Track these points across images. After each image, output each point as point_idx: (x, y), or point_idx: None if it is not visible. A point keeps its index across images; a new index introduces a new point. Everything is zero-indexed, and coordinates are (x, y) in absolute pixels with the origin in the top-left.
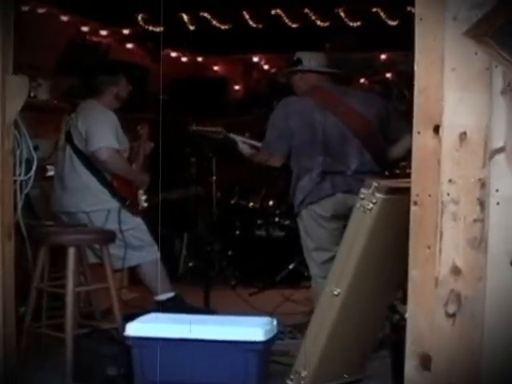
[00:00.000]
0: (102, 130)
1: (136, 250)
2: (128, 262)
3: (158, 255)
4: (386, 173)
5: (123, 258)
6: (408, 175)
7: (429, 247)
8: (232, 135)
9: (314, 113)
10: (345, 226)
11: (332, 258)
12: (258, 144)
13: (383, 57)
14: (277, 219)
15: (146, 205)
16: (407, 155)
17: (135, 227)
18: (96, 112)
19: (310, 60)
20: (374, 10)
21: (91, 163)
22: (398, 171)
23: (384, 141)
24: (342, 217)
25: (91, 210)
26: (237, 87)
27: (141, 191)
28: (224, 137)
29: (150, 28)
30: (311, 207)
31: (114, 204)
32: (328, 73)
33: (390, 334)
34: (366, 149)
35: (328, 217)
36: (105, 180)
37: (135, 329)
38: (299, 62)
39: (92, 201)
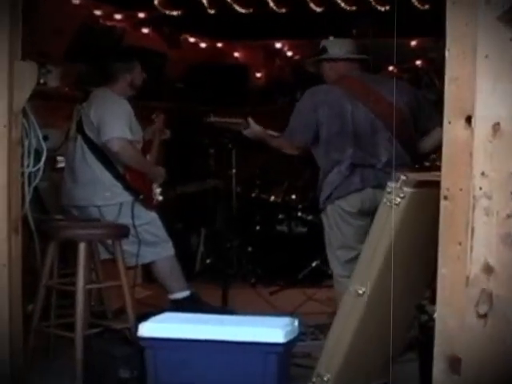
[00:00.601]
0: (114, 119)
1: (150, 246)
2: (142, 259)
3: (173, 252)
4: (416, 166)
5: (137, 255)
6: (438, 168)
7: (459, 244)
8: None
9: (343, 102)
10: (371, 223)
11: (356, 257)
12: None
13: (413, 43)
14: (299, 214)
15: (161, 198)
16: (439, 147)
17: (149, 222)
18: (109, 100)
19: (337, 47)
20: None
21: (103, 154)
22: (427, 164)
23: (415, 131)
24: (370, 213)
25: (103, 203)
26: (258, 75)
27: (155, 184)
28: (245, 129)
29: (167, 12)
30: (338, 202)
31: (126, 198)
32: (356, 60)
33: (417, 335)
34: (398, 140)
35: (355, 213)
36: (117, 172)
37: (149, 329)
38: (325, 50)
39: (104, 194)
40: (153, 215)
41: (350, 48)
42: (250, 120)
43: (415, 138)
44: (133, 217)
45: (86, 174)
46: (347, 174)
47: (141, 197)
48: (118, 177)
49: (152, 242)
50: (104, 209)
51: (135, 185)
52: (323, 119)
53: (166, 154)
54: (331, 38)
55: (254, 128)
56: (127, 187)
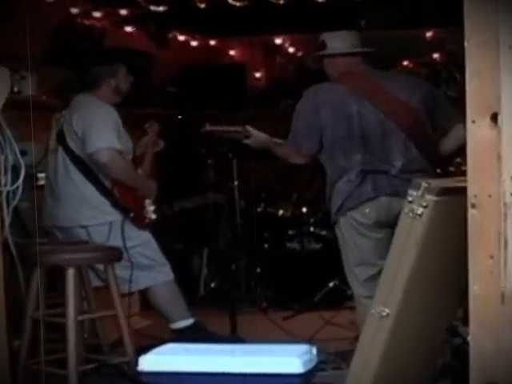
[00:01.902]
0: (101, 128)
1: (144, 270)
2: (136, 285)
3: (172, 276)
4: (438, 171)
5: (129, 281)
6: (464, 173)
7: (491, 257)
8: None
9: (348, 102)
10: (391, 236)
11: (378, 275)
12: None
13: (429, 34)
14: (312, 229)
15: (154, 217)
16: (461, 149)
17: (142, 243)
18: (94, 107)
19: (337, 41)
20: None
21: (88, 167)
22: (452, 168)
23: (433, 132)
24: (388, 224)
25: (90, 223)
26: (258, 75)
27: (148, 201)
28: (245, 138)
29: (153, 8)
30: (350, 214)
31: (116, 216)
32: (361, 54)
33: (450, 360)
34: (413, 142)
35: (370, 224)
36: (104, 187)
37: (150, 362)
38: (324, 45)
39: (90, 213)
40: (146, 235)
41: (354, 41)
42: (250, 128)
43: (433, 140)
44: (123, 238)
45: (70, 190)
46: (358, 183)
47: (131, 215)
48: (106, 193)
49: (146, 266)
50: (92, 229)
51: (124, 201)
52: (326, 122)
53: (160, 167)
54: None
55: (256, 136)
56: (115, 204)
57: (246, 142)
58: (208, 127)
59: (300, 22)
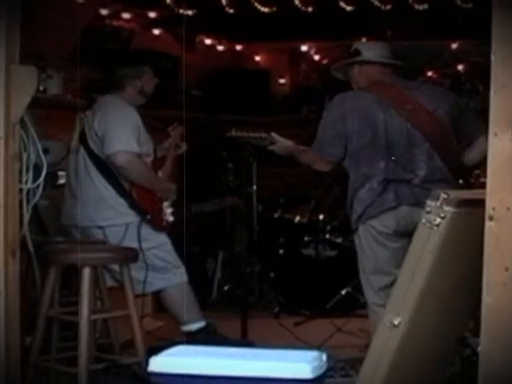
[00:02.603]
0: (120, 130)
1: (159, 272)
2: (150, 287)
3: (186, 278)
4: (461, 181)
5: (144, 282)
6: (482, 185)
7: (506, 270)
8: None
9: (375, 111)
10: (409, 245)
11: (392, 284)
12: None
13: (454, 46)
14: (328, 236)
15: (172, 219)
16: (483, 161)
17: (158, 246)
18: (115, 109)
19: (371, 50)
20: None
21: (108, 169)
22: (471, 180)
23: (457, 143)
24: (406, 234)
25: (107, 224)
26: (282, 81)
27: (166, 203)
28: (271, 144)
29: (181, 11)
30: (370, 222)
31: (133, 218)
32: (389, 65)
33: (459, 371)
34: (437, 153)
35: (390, 234)
36: (123, 189)
37: (161, 364)
38: (357, 53)
39: (108, 214)
40: (162, 238)
41: (385, 52)
42: (275, 135)
43: (457, 151)
44: (139, 240)
45: (89, 190)
46: (380, 191)
47: (148, 217)
48: (124, 194)
49: (161, 268)
50: (108, 230)
51: (142, 203)
52: (353, 129)
53: (180, 169)
54: (364, 40)
55: (282, 143)
56: (133, 206)
57: (271, 148)
58: (233, 132)
59: (326, 30)
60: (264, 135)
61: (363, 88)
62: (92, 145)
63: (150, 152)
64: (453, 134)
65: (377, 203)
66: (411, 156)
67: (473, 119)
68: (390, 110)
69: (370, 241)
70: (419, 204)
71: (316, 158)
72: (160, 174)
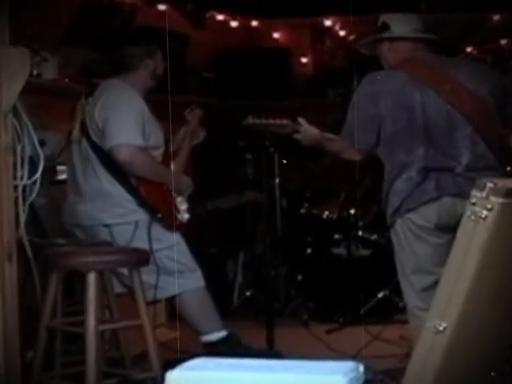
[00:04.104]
0: (122, 120)
1: (172, 275)
2: (162, 292)
3: (203, 283)
4: (509, 169)
5: (155, 287)
6: None
7: None
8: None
9: (410, 91)
10: (453, 241)
11: (435, 284)
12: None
13: (496, 18)
14: (361, 233)
15: (187, 217)
16: None
17: (171, 246)
18: (117, 95)
19: (401, 24)
20: None
21: (113, 162)
22: None
23: (503, 127)
24: (450, 228)
25: (114, 222)
26: (304, 60)
27: (180, 199)
28: (292, 131)
29: None
30: (409, 216)
31: (142, 216)
32: (424, 40)
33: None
34: (481, 137)
35: (431, 228)
36: (130, 184)
37: (178, 378)
38: (386, 27)
39: (115, 211)
40: (176, 238)
41: (418, 25)
42: (302, 121)
43: (502, 135)
44: (150, 240)
45: (93, 185)
46: (419, 181)
47: (159, 215)
48: (131, 189)
49: (174, 271)
50: (115, 229)
51: (152, 199)
52: (386, 112)
53: (193, 161)
54: (394, 13)
55: (308, 131)
56: (142, 202)
57: (297, 137)
58: (251, 120)
59: (353, 2)
60: (285, 122)
61: (395, 66)
62: (93, 136)
63: (159, 144)
64: (497, 117)
65: (416, 194)
66: (452, 141)
67: None
68: (426, 90)
69: (409, 237)
70: (463, 195)
71: (346, 145)
72: (173, 166)
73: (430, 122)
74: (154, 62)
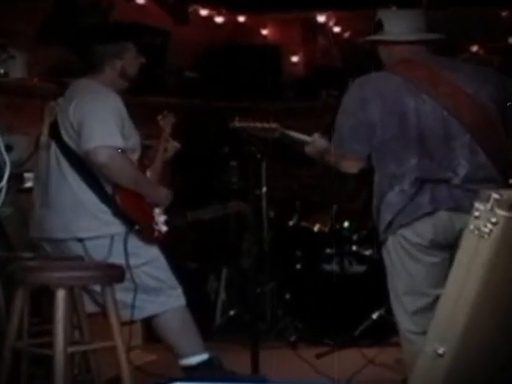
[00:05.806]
0: (100, 121)
1: (151, 294)
2: (139, 312)
3: (183, 301)
4: (511, 181)
5: (132, 306)
6: None
7: None
8: (292, 133)
9: (402, 95)
10: (450, 260)
11: (430, 307)
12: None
13: (504, 14)
14: (355, 248)
15: (165, 229)
16: None
17: (149, 261)
18: (93, 95)
19: (398, 23)
20: None
21: (86, 168)
22: None
23: (506, 135)
24: (446, 246)
25: (87, 235)
26: (295, 59)
27: (158, 210)
28: (281, 136)
29: None
30: (401, 232)
31: (119, 228)
32: (424, 41)
33: None
34: (480, 146)
35: (425, 246)
36: (105, 193)
37: None
38: (380, 25)
39: (88, 223)
40: (154, 252)
41: (417, 24)
42: (317, 135)
43: (504, 144)
44: (126, 254)
45: (63, 194)
46: (412, 194)
47: (136, 227)
48: (106, 199)
49: (153, 289)
50: (89, 243)
51: (129, 210)
52: (376, 118)
53: (172, 168)
54: (391, 9)
55: (317, 143)
56: (118, 213)
57: (307, 150)
58: (237, 123)
59: None
60: (274, 126)
61: (388, 68)
62: (67, 139)
63: (136, 147)
64: (499, 124)
65: (409, 208)
66: (449, 151)
67: None
68: (421, 95)
69: (401, 255)
70: (460, 209)
71: (338, 156)
72: (148, 174)
73: (425, 129)
74: (121, 61)
